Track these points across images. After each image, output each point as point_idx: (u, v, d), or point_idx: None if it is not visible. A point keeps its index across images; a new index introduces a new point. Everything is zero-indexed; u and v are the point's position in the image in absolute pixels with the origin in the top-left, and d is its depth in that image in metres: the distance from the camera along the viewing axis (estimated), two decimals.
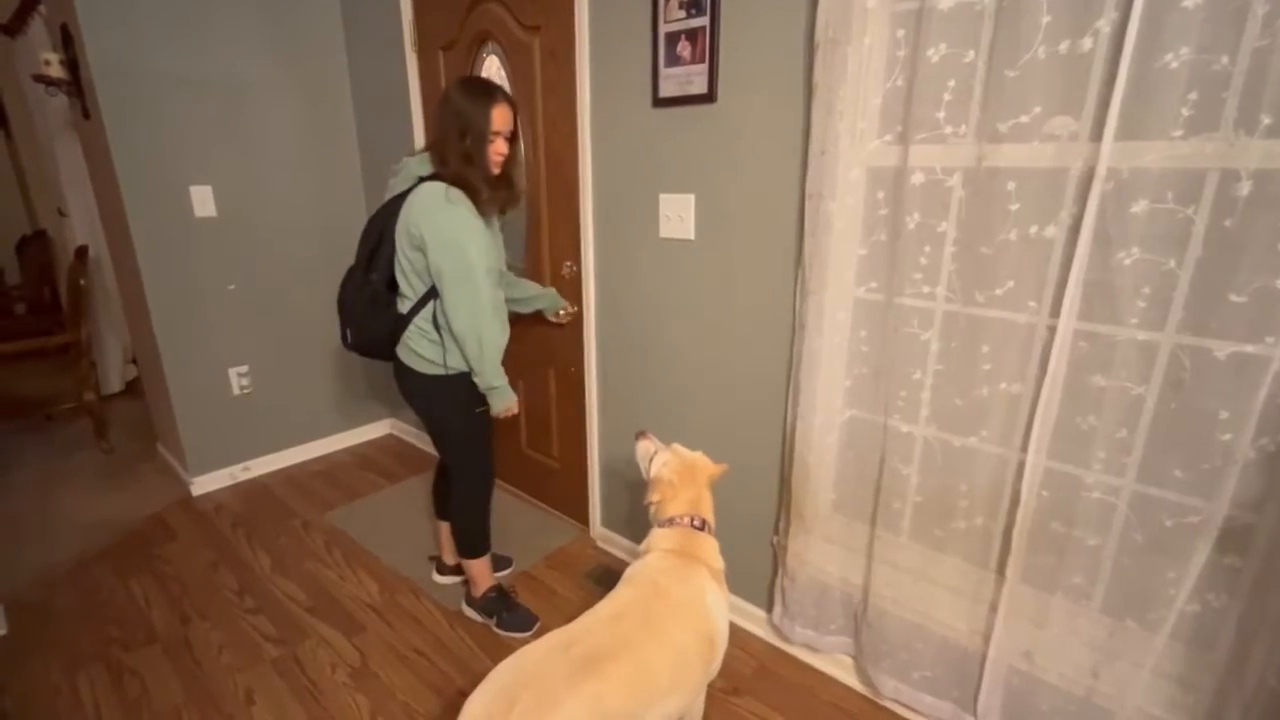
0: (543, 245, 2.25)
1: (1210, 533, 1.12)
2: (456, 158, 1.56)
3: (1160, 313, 1.12)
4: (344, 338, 1.77)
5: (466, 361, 1.65)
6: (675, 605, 1.24)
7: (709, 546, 1.39)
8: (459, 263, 1.55)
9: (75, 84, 2.42)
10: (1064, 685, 1.32)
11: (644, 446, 1.54)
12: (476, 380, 1.68)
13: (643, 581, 1.29)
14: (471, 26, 2.22)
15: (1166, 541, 1.18)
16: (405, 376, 1.74)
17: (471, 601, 1.97)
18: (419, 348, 1.66)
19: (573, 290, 2.15)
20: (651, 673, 1.13)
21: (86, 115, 2.41)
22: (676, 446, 1.51)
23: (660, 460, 1.47)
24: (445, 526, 2.05)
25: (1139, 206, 1.09)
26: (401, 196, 1.60)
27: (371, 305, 1.68)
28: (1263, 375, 1.03)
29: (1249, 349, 1.05)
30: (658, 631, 1.18)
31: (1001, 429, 1.33)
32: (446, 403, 1.74)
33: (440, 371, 1.68)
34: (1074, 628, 1.31)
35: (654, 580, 1.28)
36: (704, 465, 1.48)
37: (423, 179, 1.59)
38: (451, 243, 1.54)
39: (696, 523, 1.39)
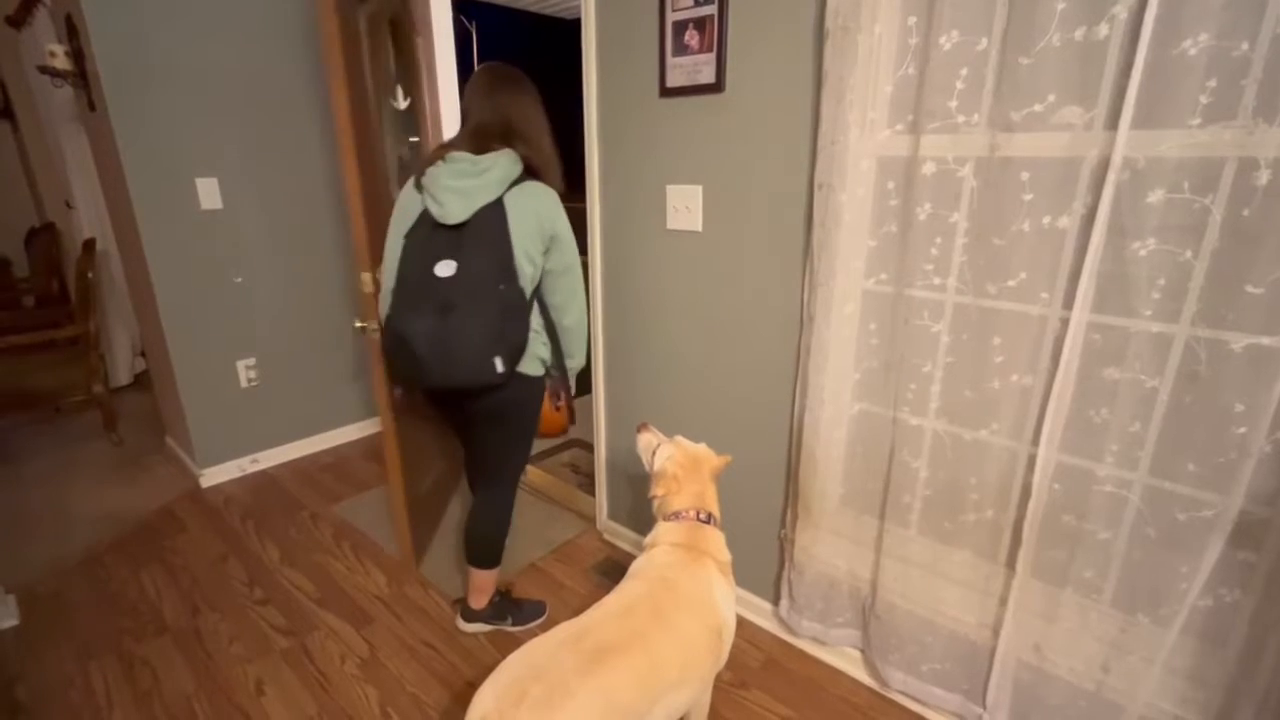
0: None
1: (1224, 527, 1.11)
2: (550, 153, 1.58)
3: (1175, 304, 1.10)
4: (425, 378, 1.47)
5: (569, 352, 1.69)
6: (683, 599, 1.24)
7: (715, 540, 1.38)
8: (576, 257, 1.60)
9: (81, 75, 2.42)
10: (1074, 679, 1.31)
11: (646, 439, 1.53)
12: (573, 365, 1.73)
13: (650, 576, 1.28)
14: None
15: (1179, 536, 1.17)
16: (512, 386, 1.55)
17: (475, 615, 1.86)
18: (537, 351, 1.59)
19: None
20: (661, 666, 1.13)
21: (92, 107, 2.41)
22: (679, 439, 1.51)
23: (664, 454, 1.47)
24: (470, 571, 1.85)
25: (1155, 196, 1.07)
26: (497, 200, 1.46)
27: (515, 321, 1.49)
28: (1278, 367, 1.02)
29: (1265, 341, 1.03)
30: (667, 625, 1.18)
31: (1013, 422, 1.32)
32: (538, 402, 1.70)
33: (541, 372, 1.64)
34: (1084, 622, 1.30)
35: (662, 574, 1.28)
36: (707, 457, 1.47)
37: (521, 178, 1.50)
38: (572, 238, 1.57)
39: (702, 516, 1.39)
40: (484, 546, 1.79)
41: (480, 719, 1.00)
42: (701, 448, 1.49)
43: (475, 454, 1.83)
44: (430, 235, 1.47)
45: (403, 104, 2.19)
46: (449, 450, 2.57)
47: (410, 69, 2.28)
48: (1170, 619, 1.17)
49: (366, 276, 1.79)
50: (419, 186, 1.49)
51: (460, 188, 1.44)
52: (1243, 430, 1.07)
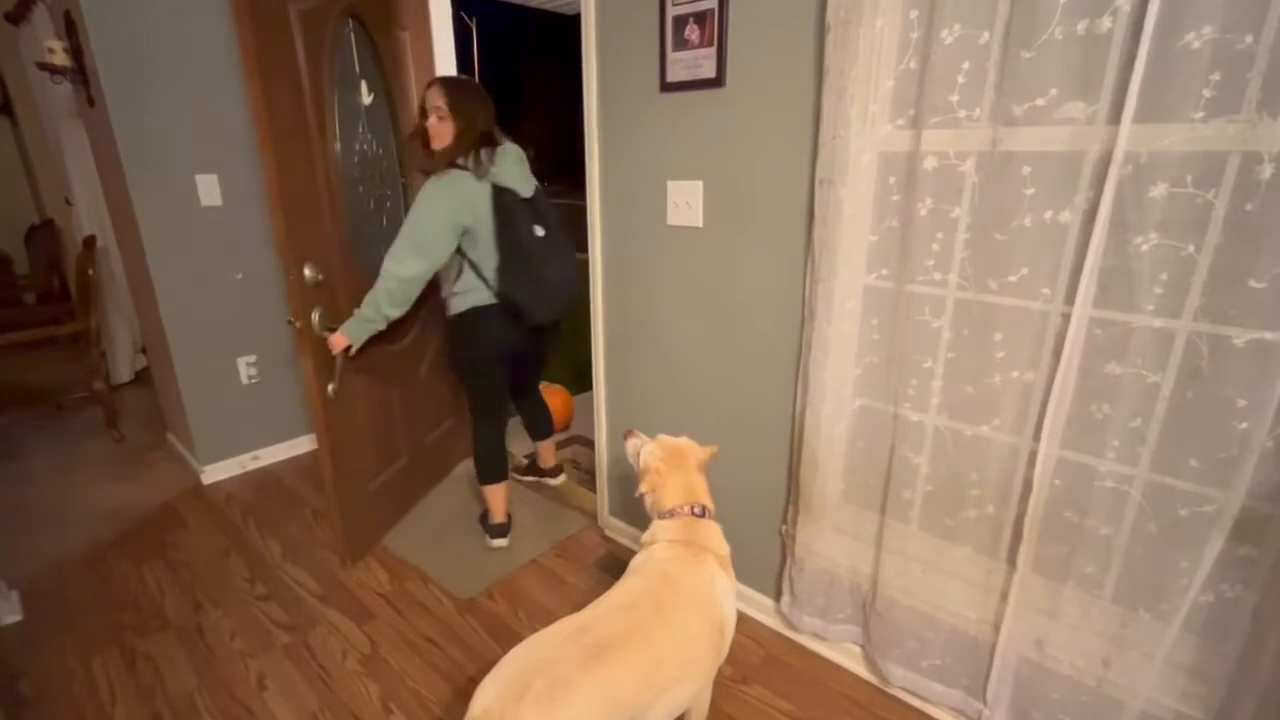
0: None
1: (1225, 523, 1.10)
2: None
3: (1178, 299, 1.10)
4: (557, 313, 2.03)
5: None
6: (685, 595, 1.24)
7: (713, 533, 1.39)
8: None
9: (79, 72, 2.41)
10: (1075, 675, 1.31)
11: (632, 444, 1.56)
12: None
13: (652, 572, 1.29)
14: None
15: (1181, 531, 1.17)
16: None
17: (558, 470, 2.61)
18: None
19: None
20: (663, 662, 1.14)
21: (91, 103, 2.41)
22: (661, 436, 1.52)
23: (647, 450, 1.48)
24: (541, 444, 2.57)
25: (1157, 191, 1.07)
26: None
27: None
28: None
29: (1268, 336, 1.03)
30: (668, 621, 1.18)
31: (1014, 418, 1.32)
32: None
33: None
34: (1085, 617, 1.30)
35: (662, 570, 1.28)
36: (691, 449, 1.48)
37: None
38: None
39: (697, 510, 1.39)
40: (548, 420, 2.53)
41: (482, 713, 1.00)
42: (684, 440, 1.50)
43: (534, 370, 2.39)
44: (519, 208, 1.88)
45: (367, 99, 2.21)
46: (418, 441, 2.57)
47: (390, 64, 2.27)
48: (1171, 614, 1.17)
49: (308, 271, 1.86)
50: (478, 176, 1.83)
51: (523, 170, 1.95)
52: (1244, 425, 1.07)
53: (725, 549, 1.39)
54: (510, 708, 0.98)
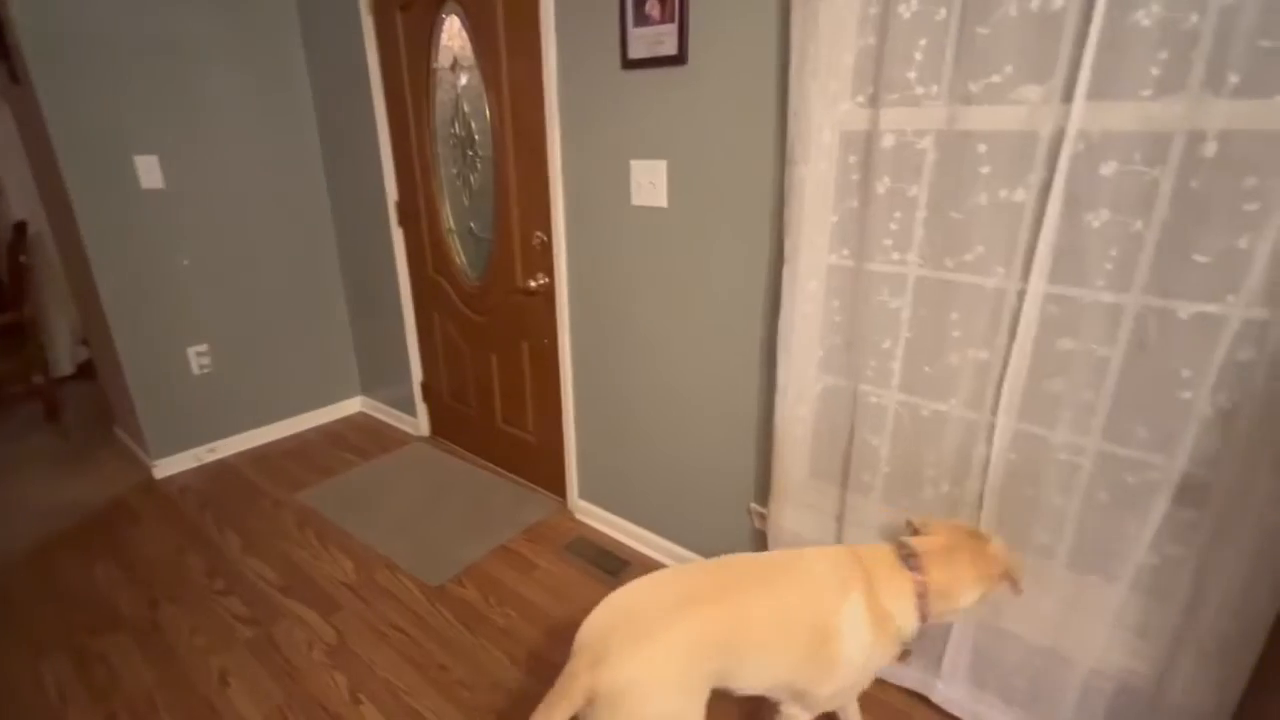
0: (511, 215, 2.19)
1: (1169, 488, 1.15)
2: None
3: (1127, 275, 1.13)
4: None
5: None
6: (805, 584, 1.17)
7: (892, 584, 1.18)
8: None
9: (1, 45, 2.26)
10: (1030, 637, 1.36)
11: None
12: None
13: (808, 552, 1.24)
14: None
15: (1129, 498, 1.21)
16: None
17: None
18: None
19: (543, 261, 2.11)
20: (752, 621, 1.12)
21: (15, 79, 2.26)
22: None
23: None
24: None
25: (1108, 168, 1.09)
26: None
27: None
28: (1222, 333, 1.05)
29: (1210, 309, 1.06)
30: (772, 590, 1.16)
31: (971, 395, 1.34)
32: None
33: None
34: (1040, 584, 1.35)
35: (810, 565, 1.21)
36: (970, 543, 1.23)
37: None
38: None
39: (911, 562, 1.20)
40: None
41: (580, 648, 1.05)
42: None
43: None
44: None
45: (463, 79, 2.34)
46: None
47: (479, 34, 2.29)
48: (1120, 577, 1.22)
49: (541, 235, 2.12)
50: None
51: None
52: (1188, 395, 1.11)
53: (894, 609, 1.17)
54: (609, 639, 1.03)
